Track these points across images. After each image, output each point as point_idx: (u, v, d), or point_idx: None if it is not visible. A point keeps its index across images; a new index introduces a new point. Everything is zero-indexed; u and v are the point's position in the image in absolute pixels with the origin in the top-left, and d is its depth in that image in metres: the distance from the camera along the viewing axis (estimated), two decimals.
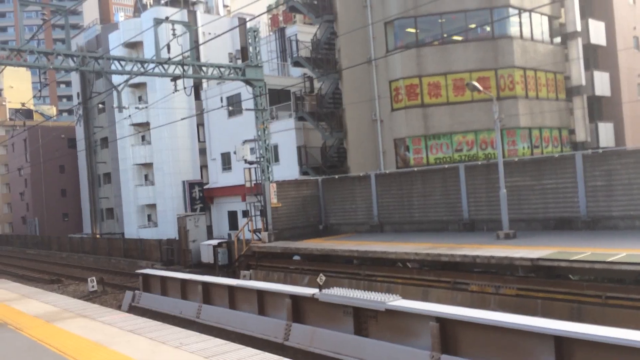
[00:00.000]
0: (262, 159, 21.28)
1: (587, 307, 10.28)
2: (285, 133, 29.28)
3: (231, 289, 12.07)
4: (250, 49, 24.26)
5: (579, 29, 26.97)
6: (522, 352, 7.06)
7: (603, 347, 6.19)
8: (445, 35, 24.77)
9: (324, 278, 10.59)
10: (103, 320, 9.22)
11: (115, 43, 40.23)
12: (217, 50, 37.71)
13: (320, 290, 10.14)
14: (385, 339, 8.94)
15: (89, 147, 49.56)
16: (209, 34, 38.47)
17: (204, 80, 35.63)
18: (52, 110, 75.64)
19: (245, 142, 23.42)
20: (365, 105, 25.95)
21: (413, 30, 25.34)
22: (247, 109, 23.81)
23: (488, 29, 24.81)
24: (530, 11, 24.69)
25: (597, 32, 29.09)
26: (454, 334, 8.01)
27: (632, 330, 6.24)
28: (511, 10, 24.37)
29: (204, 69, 23.18)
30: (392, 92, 25.44)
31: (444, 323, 8.04)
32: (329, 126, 27.01)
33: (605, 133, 29.07)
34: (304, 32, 33.36)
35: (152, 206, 41.22)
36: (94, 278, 19.91)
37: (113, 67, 20.94)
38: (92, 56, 20.91)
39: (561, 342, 6.54)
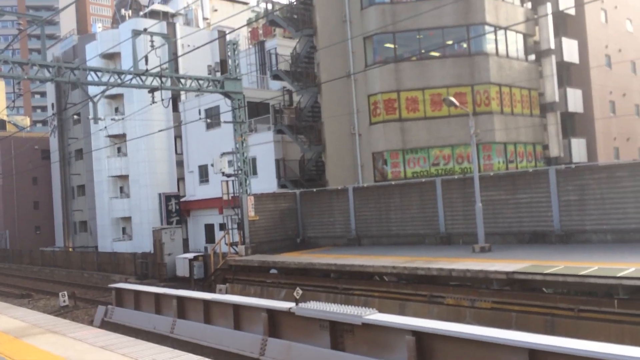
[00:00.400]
0: (240, 172, 21.17)
1: (560, 319, 10.39)
2: (263, 146, 29.24)
3: (206, 303, 11.90)
4: (230, 61, 24.27)
5: (552, 46, 27.62)
6: None
7: None
8: (423, 51, 25.13)
9: (300, 292, 10.52)
10: (74, 336, 8.98)
11: (93, 54, 39.84)
12: (197, 62, 37.58)
13: (297, 304, 10.06)
14: (361, 352, 8.89)
15: (63, 158, 48.75)
16: (188, 46, 38.37)
17: (182, 92, 35.47)
18: (26, 121, 74.31)
19: (223, 154, 23.28)
20: (344, 118, 26.09)
21: (391, 46, 25.66)
22: (225, 122, 23.71)
23: (465, 45, 25.25)
24: (505, 29, 25.22)
25: (570, 50, 29.81)
26: (430, 347, 8.01)
27: (602, 343, 6.32)
28: (487, 28, 24.86)
29: (182, 81, 23.10)
30: (371, 106, 25.64)
31: (420, 336, 8.04)
32: (308, 139, 27.07)
33: (578, 148, 29.68)
34: (283, 46, 33.50)
35: (127, 219, 40.60)
36: (65, 293, 19.45)
37: (89, 78, 20.71)
38: (68, 67, 20.65)
39: (535, 355, 6.59)
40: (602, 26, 32.42)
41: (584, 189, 14.77)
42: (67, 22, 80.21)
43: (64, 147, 48.52)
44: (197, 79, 23.31)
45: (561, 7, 29.19)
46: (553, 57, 27.64)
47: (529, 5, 28.15)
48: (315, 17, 26.88)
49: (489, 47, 25.37)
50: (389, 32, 24.99)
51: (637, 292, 9.79)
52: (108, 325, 14.06)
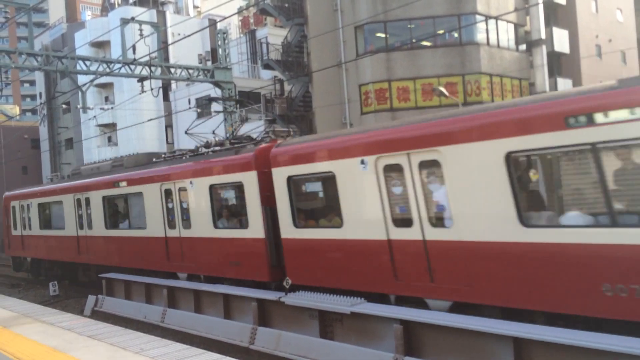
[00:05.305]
0: None
1: None
2: (254, 135, 29.13)
3: (197, 293, 11.93)
4: (220, 50, 24.16)
5: (543, 36, 27.66)
6: (483, 352, 7.18)
7: (560, 348, 6.34)
8: (414, 41, 25.09)
9: (290, 281, 10.57)
10: (62, 325, 9.01)
11: (82, 42, 39.47)
12: (187, 51, 37.36)
13: (286, 294, 10.12)
14: (350, 341, 8.96)
15: (53, 148, 48.44)
16: (179, 34, 38.10)
17: (173, 82, 35.26)
18: (15, 110, 73.59)
19: None
20: (336, 108, 26.06)
21: (383, 35, 25.59)
22: (215, 112, 23.64)
23: (456, 35, 25.23)
24: (496, 18, 25.20)
25: (561, 40, 29.87)
26: (417, 336, 8.08)
27: (586, 332, 6.40)
28: (478, 17, 24.84)
29: (172, 70, 23.02)
30: (362, 95, 25.60)
31: (408, 325, 8.11)
32: (299, 129, 26.98)
33: None
34: (274, 35, 33.35)
35: None
36: (55, 282, 19.38)
37: (78, 67, 20.56)
38: (56, 55, 20.50)
39: (519, 343, 6.68)
40: (593, 16, 32.48)
41: None
42: (56, 9, 79.31)
43: (53, 136, 48.18)
44: (187, 68, 23.24)
45: None
46: (544, 47, 27.70)
47: None
48: (306, 5, 26.76)
49: (480, 36, 25.37)
50: (380, 21, 24.91)
51: None
52: (98, 314, 14.08)
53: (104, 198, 15.81)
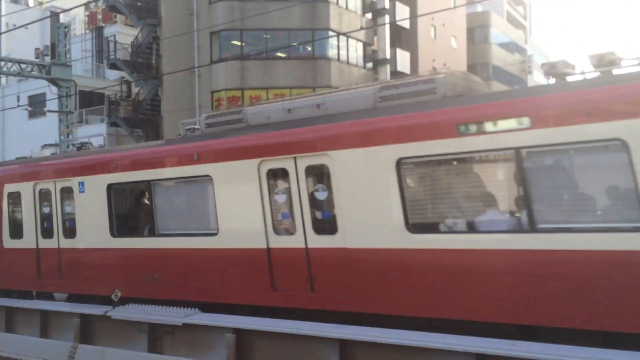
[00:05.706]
0: None
1: None
2: (94, 139, 27.05)
3: (8, 310, 10.57)
4: (60, 46, 22.34)
5: (388, 56, 29.53)
6: (312, 355, 7.21)
7: (383, 347, 6.54)
8: (268, 51, 25.28)
9: (119, 294, 9.79)
10: None
11: None
12: (25, 45, 33.90)
13: (114, 307, 9.35)
14: (181, 354, 8.51)
15: None
16: (14, 25, 34.44)
17: (2, 76, 31.70)
18: None
19: (44, 146, 21.09)
20: (186, 113, 25.15)
21: (238, 43, 25.45)
22: (49, 111, 21.64)
23: (309, 49, 25.90)
24: (346, 35, 26.32)
25: (403, 61, 32.12)
26: (250, 344, 7.91)
27: (406, 331, 6.68)
28: (331, 33, 25.78)
29: (2, 63, 20.81)
30: (214, 102, 25.14)
31: (241, 334, 7.91)
32: (145, 134, 25.74)
33: None
34: (124, 34, 31.63)
35: None
36: None
37: None
38: None
39: (345, 344, 6.79)
40: (432, 41, 35.45)
41: None
42: None
43: None
44: (19, 62, 21.13)
45: (397, 19, 31.34)
46: (388, 67, 29.57)
47: (370, 16, 29.80)
48: (160, 6, 25.71)
49: (332, 52, 26.32)
50: (236, 29, 24.74)
51: None
52: None
53: (400, 164, 6.94)
